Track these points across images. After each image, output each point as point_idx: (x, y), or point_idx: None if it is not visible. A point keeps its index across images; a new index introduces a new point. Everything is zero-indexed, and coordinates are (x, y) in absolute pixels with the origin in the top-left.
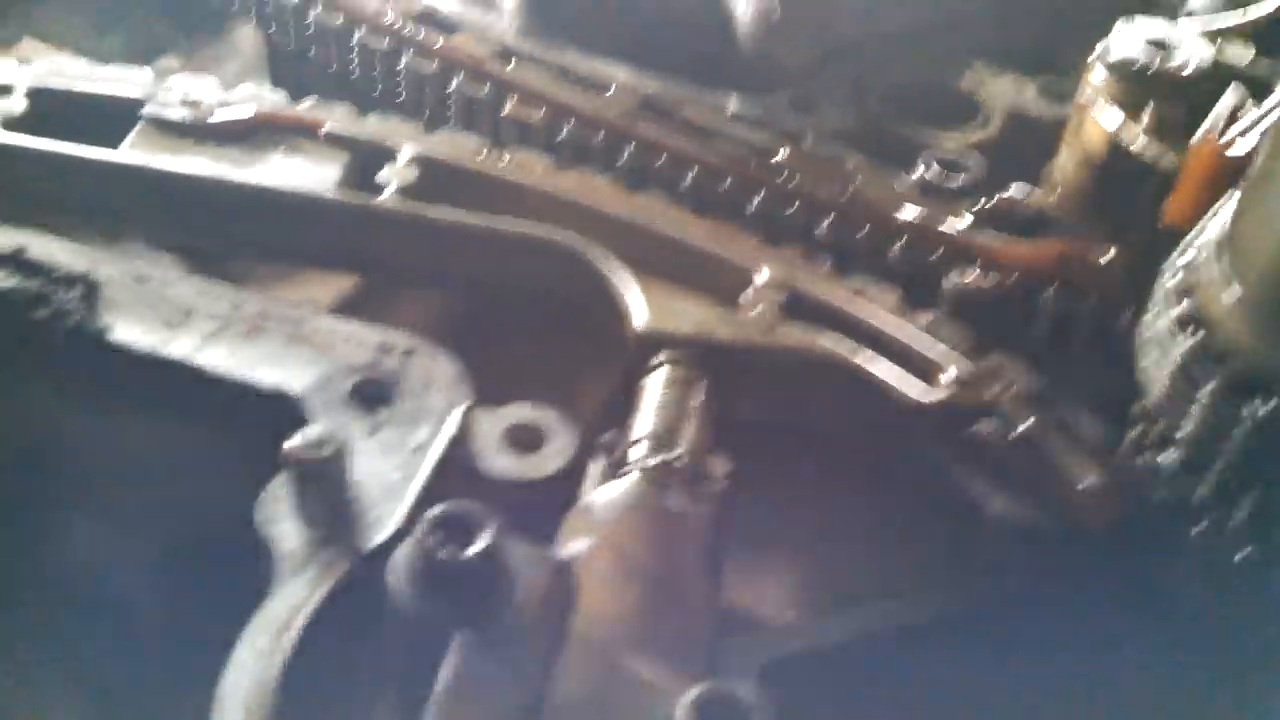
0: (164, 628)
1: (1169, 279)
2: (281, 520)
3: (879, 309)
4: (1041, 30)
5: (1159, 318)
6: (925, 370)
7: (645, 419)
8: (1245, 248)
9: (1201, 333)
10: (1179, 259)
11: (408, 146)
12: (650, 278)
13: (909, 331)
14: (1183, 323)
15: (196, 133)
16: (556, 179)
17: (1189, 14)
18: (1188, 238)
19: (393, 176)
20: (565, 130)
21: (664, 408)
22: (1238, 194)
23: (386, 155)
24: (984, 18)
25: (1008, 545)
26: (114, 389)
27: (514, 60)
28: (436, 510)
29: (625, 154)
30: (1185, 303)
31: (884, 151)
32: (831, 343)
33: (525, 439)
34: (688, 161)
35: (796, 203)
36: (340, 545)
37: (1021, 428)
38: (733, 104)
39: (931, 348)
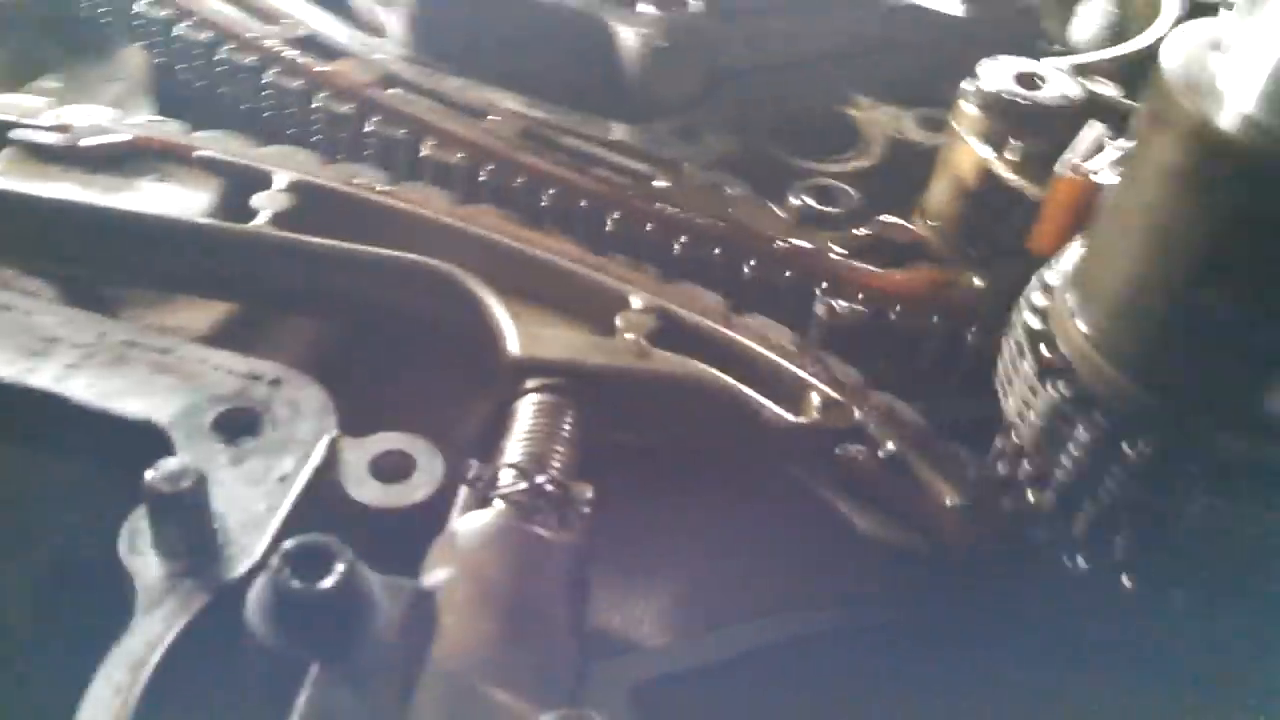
0: (32, 658)
1: (1025, 317)
2: (142, 552)
3: (749, 334)
4: (921, 63)
5: (1019, 357)
6: (795, 394)
7: (514, 446)
8: (1093, 286)
9: (1063, 383)
10: (1031, 297)
11: (282, 172)
12: (524, 304)
13: (778, 356)
14: (1046, 370)
15: (66, 157)
16: (433, 205)
17: (1067, 49)
18: (1039, 273)
19: (267, 202)
20: (440, 156)
21: (533, 435)
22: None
23: (262, 181)
24: (865, 50)
25: (875, 564)
26: None
27: (396, 87)
28: (290, 543)
29: (506, 181)
30: (1042, 345)
31: (766, 179)
32: (703, 367)
33: (393, 468)
34: (568, 189)
35: (676, 230)
36: (200, 578)
37: (888, 448)
38: (616, 132)
39: (801, 372)
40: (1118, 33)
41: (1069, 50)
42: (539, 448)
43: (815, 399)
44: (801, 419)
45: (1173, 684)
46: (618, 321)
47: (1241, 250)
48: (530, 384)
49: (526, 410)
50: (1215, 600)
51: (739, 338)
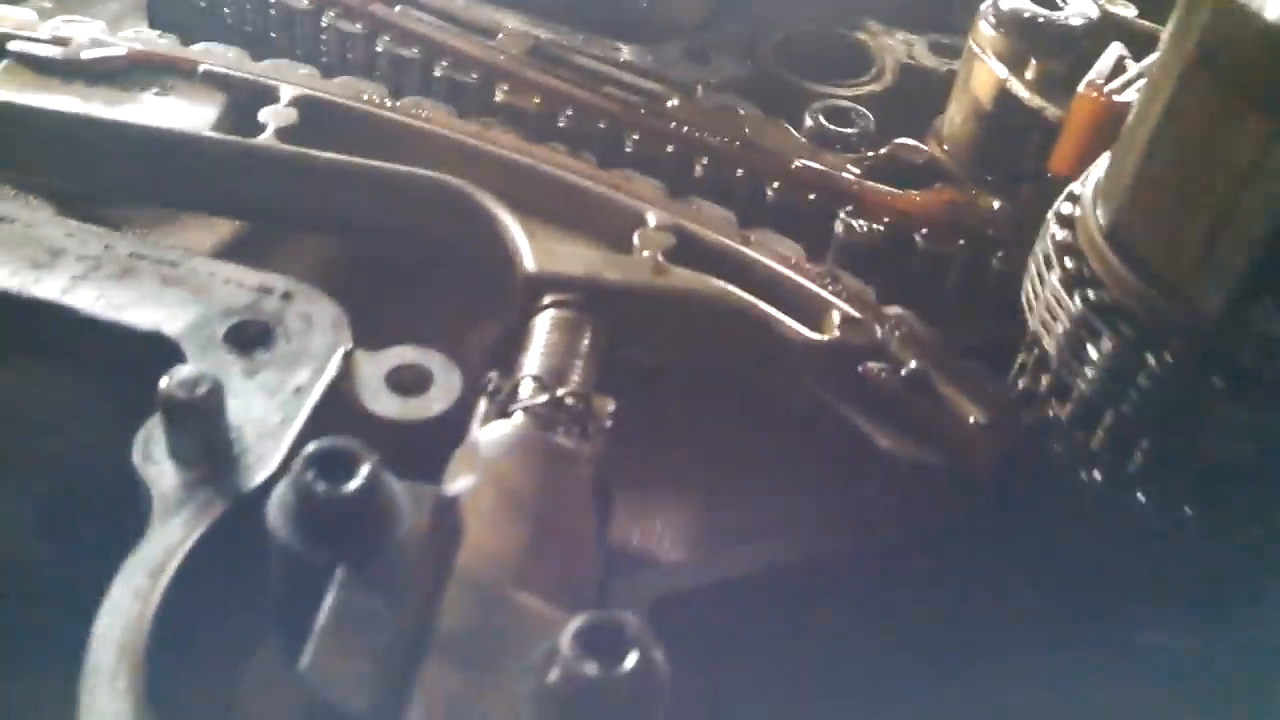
0: (46, 571)
1: (1052, 229)
2: (157, 460)
3: (768, 253)
4: None
5: (1047, 271)
6: (814, 312)
7: (533, 360)
8: (1124, 205)
9: (1086, 289)
10: (1060, 209)
11: (288, 87)
12: (539, 221)
13: (798, 275)
14: (1067, 277)
15: (66, 70)
16: (444, 121)
17: None
18: (1069, 188)
19: (272, 117)
20: (450, 73)
21: (551, 349)
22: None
23: (267, 96)
24: None
25: (896, 482)
26: None
27: (401, 4)
28: (313, 446)
29: (516, 100)
30: (1069, 257)
31: (777, 103)
32: (722, 284)
33: (409, 381)
34: (578, 107)
35: (690, 150)
36: (217, 486)
37: (910, 367)
38: (625, 53)
39: (821, 290)
40: None
41: None
42: (558, 362)
43: (835, 316)
44: (822, 336)
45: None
46: (635, 239)
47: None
48: (547, 299)
49: (544, 325)
50: (1227, 520)
51: (758, 256)
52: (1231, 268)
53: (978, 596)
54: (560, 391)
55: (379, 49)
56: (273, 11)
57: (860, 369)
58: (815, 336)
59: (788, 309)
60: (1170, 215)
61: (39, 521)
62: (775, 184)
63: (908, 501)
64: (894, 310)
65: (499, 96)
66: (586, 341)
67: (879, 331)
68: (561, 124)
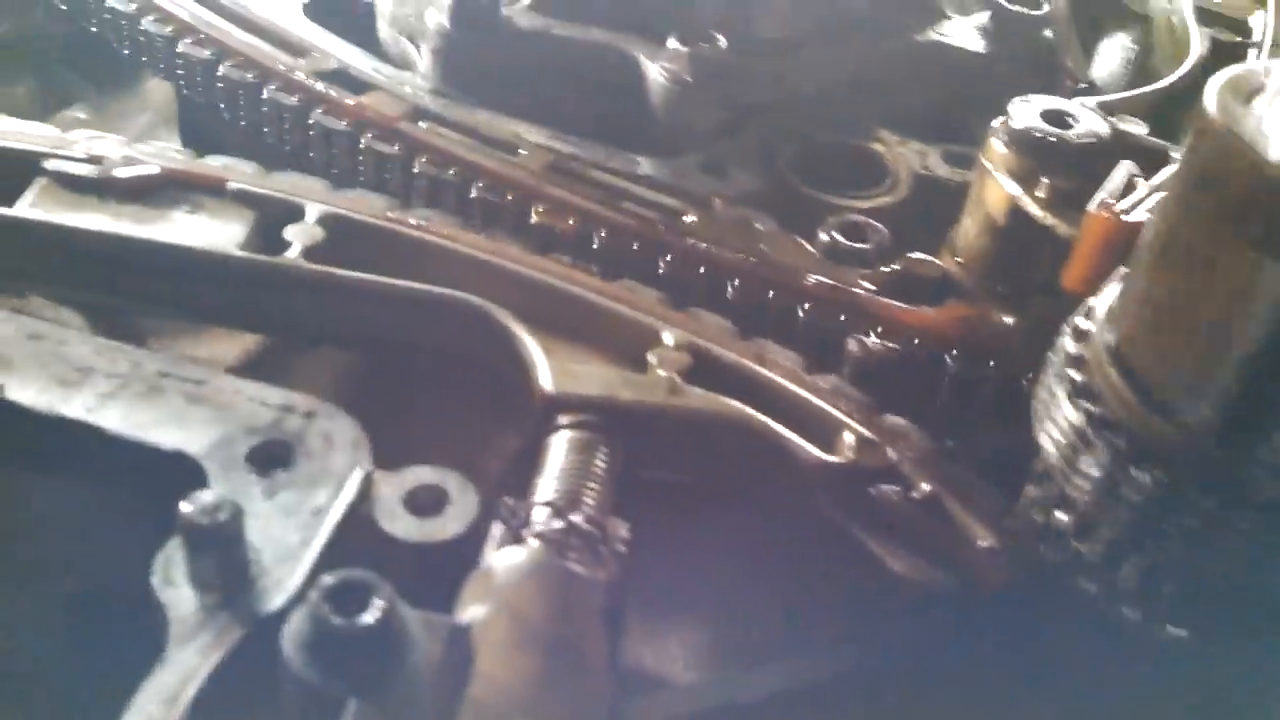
0: (64, 686)
1: (1063, 345)
2: (176, 584)
3: (781, 372)
4: (944, 98)
5: (1054, 383)
6: (827, 433)
7: (547, 483)
8: (1129, 323)
9: (1090, 404)
10: (1072, 326)
11: (314, 205)
12: (556, 339)
13: (811, 395)
14: (1074, 391)
15: (99, 189)
16: (465, 239)
17: (1088, 87)
18: (1081, 305)
19: (299, 235)
20: (475, 190)
21: (566, 472)
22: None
23: (294, 213)
24: (889, 85)
25: (907, 604)
26: (8, 447)
27: (425, 121)
28: (329, 578)
29: (534, 215)
30: (1077, 371)
31: (793, 215)
32: (736, 404)
33: (427, 502)
34: (596, 223)
35: (704, 266)
36: (235, 611)
37: (922, 489)
38: (643, 166)
39: (833, 411)
40: (1138, 70)
41: (1090, 87)
42: (573, 485)
43: (849, 438)
44: (835, 458)
45: None
46: (650, 358)
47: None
48: (563, 419)
49: (560, 447)
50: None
51: (772, 376)
52: (1222, 391)
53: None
54: (574, 517)
55: (413, 169)
56: (311, 132)
57: (873, 491)
58: (828, 458)
59: (801, 429)
60: (1166, 335)
61: (58, 632)
62: (788, 299)
63: (918, 622)
64: (898, 421)
65: (515, 211)
66: (602, 463)
67: (891, 454)
68: (574, 238)
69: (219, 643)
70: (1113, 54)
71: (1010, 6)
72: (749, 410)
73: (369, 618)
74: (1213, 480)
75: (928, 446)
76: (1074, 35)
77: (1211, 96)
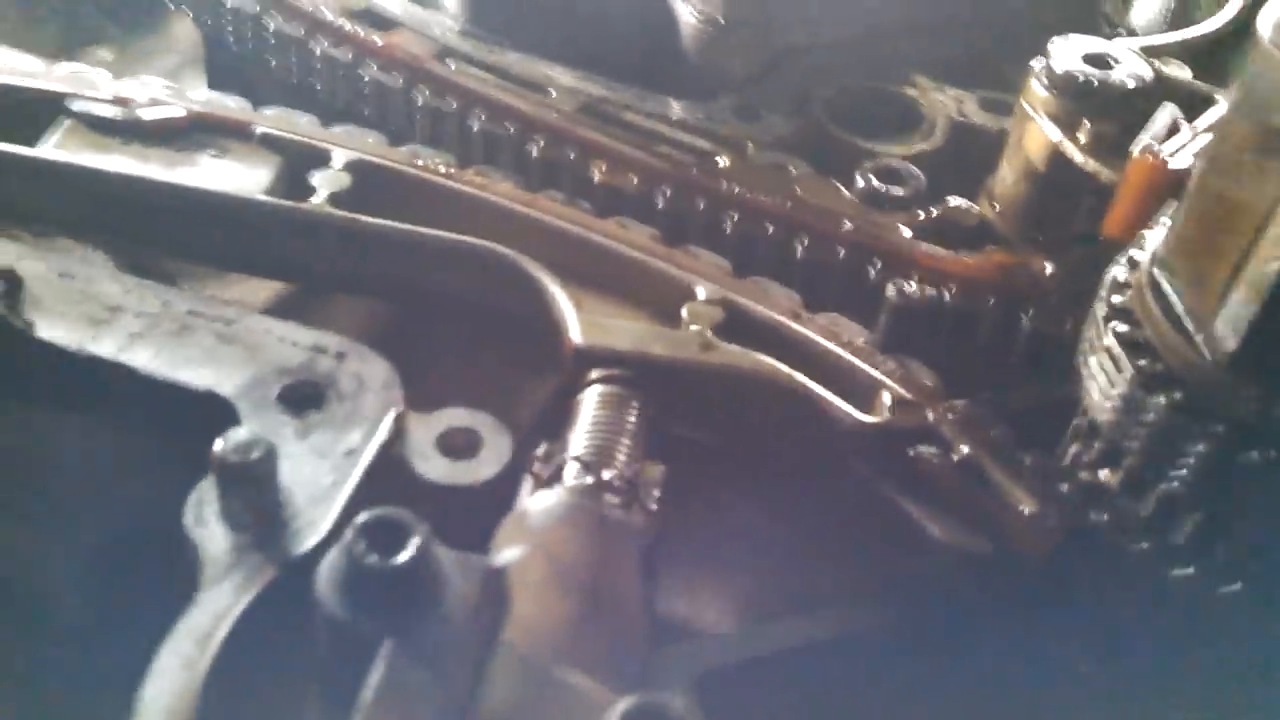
0: (93, 627)
1: (1108, 294)
2: (208, 524)
3: (817, 330)
4: (982, 44)
5: (1101, 335)
6: (865, 392)
7: (579, 439)
8: (1182, 266)
9: (1145, 357)
10: (1117, 273)
11: (341, 151)
12: (588, 291)
13: (849, 354)
14: (1124, 343)
15: (125, 131)
16: (496, 188)
17: (1127, 33)
18: (1126, 251)
19: (325, 181)
20: (505, 133)
21: (597, 428)
22: (1174, 210)
23: (321, 158)
24: (926, 29)
25: (948, 569)
26: (38, 387)
27: (453, 60)
28: (364, 516)
29: (567, 158)
30: (1126, 321)
31: (828, 160)
32: (770, 361)
33: (460, 444)
34: (629, 166)
35: (741, 210)
36: (268, 550)
37: (962, 452)
38: (676, 109)
39: (872, 370)
40: (1178, 16)
41: (1131, 33)
42: (604, 441)
43: (887, 398)
44: (872, 418)
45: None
46: (684, 313)
47: None
48: (594, 374)
49: (591, 402)
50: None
51: (808, 332)
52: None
53: (1029, 670)
54: (606, 474)
55: (428, 104)
56: (318, 65)
57: (911, 453)
58: (865, 418)
59: (838, 388)
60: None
61: (91, 574)
62: (824, 244)
63: (956, 586)
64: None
65: (546, 154)
66: (633, 419)
67: (930, 415)
68: (608, 181)
69: (252, 582)
70: (1154, 1)
71: None
72: (783, 367)
73: (404, 556)
74: (1270, 429)
75: (969, 409)
76: None
77: (1267, 25)
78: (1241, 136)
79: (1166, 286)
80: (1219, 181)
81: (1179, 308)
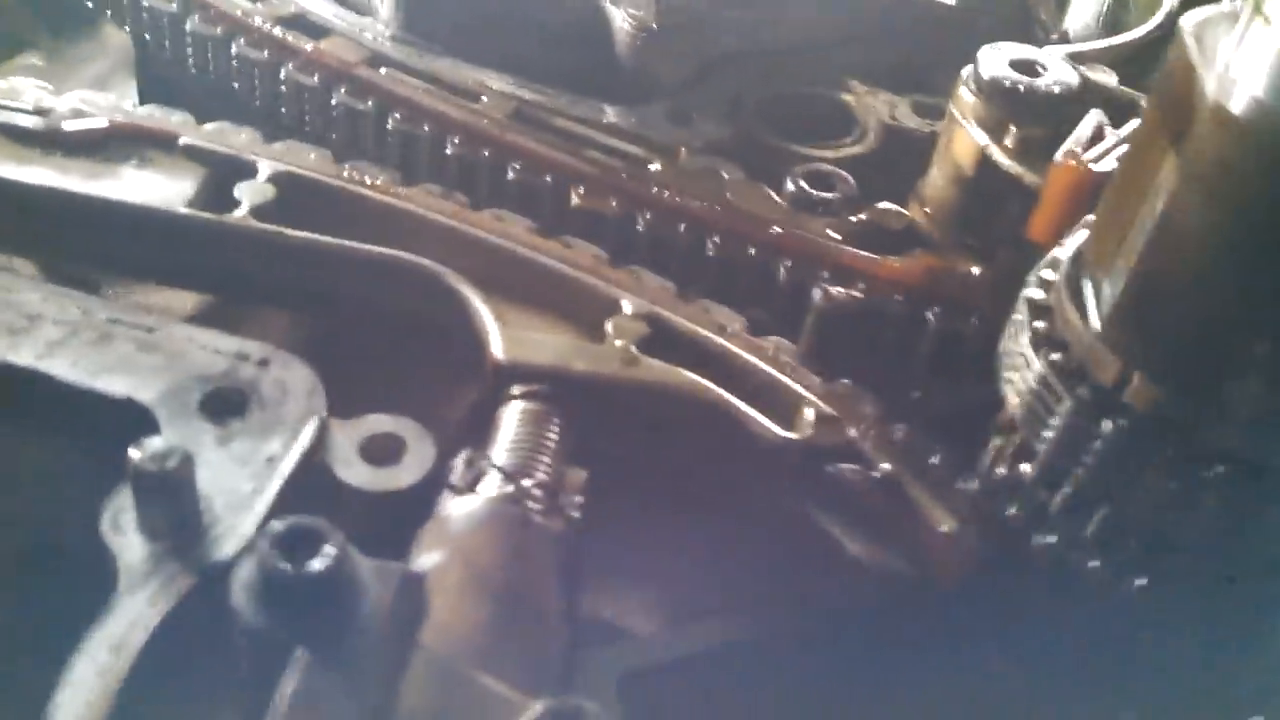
0: (9, 634)
1: (1028, 294)
2: (125, 532)
3: (741, 344)
4: (916, 51)
5: (1019, 332)
6: (786, 408)
7: (499, 455)
8: (1098, 269)
9: (1057, 353)
10: (1038, 275)
11: (266, 162)
12: (511, 303)
13: (773, 369)
14: (1039, 340)
15: (46, 141)
16: (419, 199)
17: (1060, 39)
18: (1047, 255)
19: (249, 193)
20: (432, 138)
21: (519, 441)
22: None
23: (246, 170)
24: (858, 35)
25: (864, 586)
26: None
27: (385, 67)
28: (279, 524)
29: (497, 164)
30: (1042, 320)
31: (761, 165)
32: (692, 377)
33: (383, 450)
34: (559, 171)
35: (669, 215)
36: (185, 559)
37: (882, 469)
38: (608, 114)
39: (792, 385)
40: (1111, 23)
41: (1064, 40)
42: (524, 459)
43: (810, 414)
44: (793, 434)
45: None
46: (608, 327)
47: (1243, 236)
48: (515, 389)
49: (511, 418)
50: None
51: (732, 347)
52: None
53: (945, 669)
54: (526, 482)
55: (349, 108)
56: (256, 80)
57: (831, 470)
58: (786, 435)
59: (761, 404)
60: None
61: (8, 586)
62: (753, 249)
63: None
64: (867, 405)
65: (476, 160)
66: (553, 435)
67: (852, 432)
68: (536, 187)
69: (168, 591)
70: (1087, 7)
71: None
72: (704, 383)
73: (319, 564)
74: (1172, 430)
75: (889, 423)
76: None
77: (1189, 20)
78: (1151, 126)
79: (1083, 284)
80: (1127, 169)
81: (1090, 303)
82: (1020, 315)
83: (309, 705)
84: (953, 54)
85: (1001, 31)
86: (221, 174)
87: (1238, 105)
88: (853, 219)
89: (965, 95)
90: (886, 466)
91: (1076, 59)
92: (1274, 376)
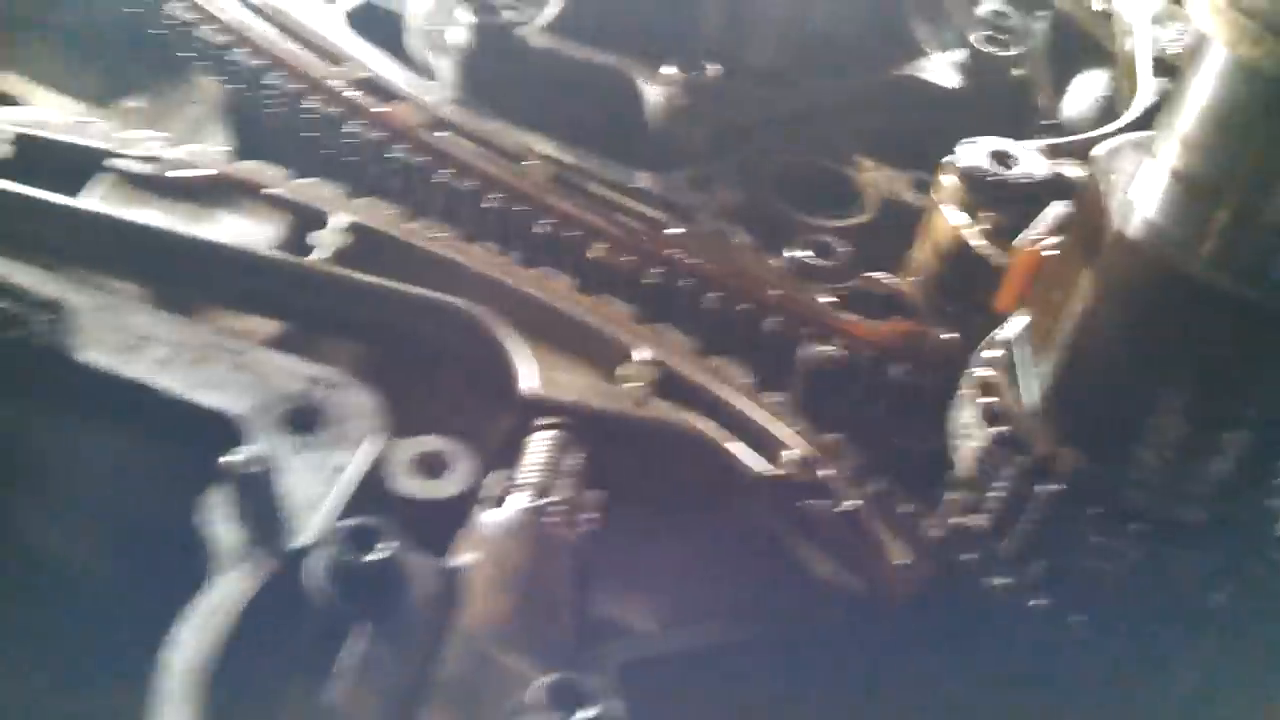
0: (114, 608)
1: (976, 373)
2: (219, 522)
3: (738, 390)
4: (918, 128)
5: (966, 405)
6: (770, 448)
7: (526, 476)
8: (1036, 352)
9: (998, 427)
10: (984, 353)
11: (341, 214)
12: (541, 345)
13: (762, 413)
14: (984, 414)
15: (154, 186)
16: (471, 252)
17: (1053, 127)
18: (992, 334)
19: (324, 239)
20: (483, 197)
21: (543, 468)
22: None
23: (319, 219)
24: (869, 114)
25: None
26: (75, 401)
27: (444, 130)
28: (348, 523)
29: (536, 223)
30: (986, 396)
31: (772, 230)
32: (693, 418)
33: (432, 465)
34: (590, 232)
35: (683, 274)
36: (269, 546)
37: (845, 505)
38: (639, 179)
39: (780, 428)
40: (1106, 110)
41: (1057, 125)
42: (545, 480)
43: (787, 454)
44: (772, 470)
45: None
46: (619, 371)
47: (1142, 339)
48: (541, 420)
49: (539, 444)
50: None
51: (730, 394)
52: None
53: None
54: (546, 499)
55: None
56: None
57: (801, 503)
58: (765, 471)
59: (750, 443)
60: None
61: (107, 567)
62: (756, 308)
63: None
64: (843, 450)
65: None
66: (573, 462)
67: (821, 471)
68: (570, 240)
69: (259, 570)
70: (1085, 92)
71: (984, 48)
72: (703, 423)
73: (377, 555)
74: (1096, 494)
75: (860, 463)
76: (1046, 75)
77: (1101, 149)
78: (1073, 240)
79: (1021, 367)
80: (1057, 271)
81: (1024, 383)
82: (968, 390)
83: (367, 667)
84: (955, 133)
85: (1001, 114)
86: (301, 220)
87: (1135, 229)
88: (845, 285)
89: (945, 180)
90: (849, 503)
91: (1053, 151)
92: (1174, 448)
